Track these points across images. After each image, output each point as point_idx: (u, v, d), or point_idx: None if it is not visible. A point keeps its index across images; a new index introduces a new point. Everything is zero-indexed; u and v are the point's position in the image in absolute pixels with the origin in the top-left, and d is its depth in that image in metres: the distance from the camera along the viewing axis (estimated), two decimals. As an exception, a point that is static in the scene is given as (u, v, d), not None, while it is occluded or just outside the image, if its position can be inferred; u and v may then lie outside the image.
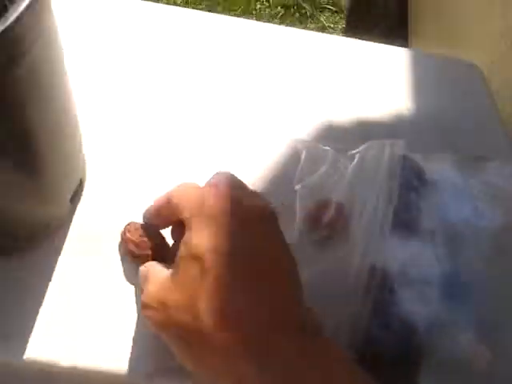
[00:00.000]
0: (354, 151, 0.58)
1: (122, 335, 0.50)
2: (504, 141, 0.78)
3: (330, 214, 0.55)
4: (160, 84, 0.71)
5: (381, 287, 0.51)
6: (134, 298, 0.52)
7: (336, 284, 0.51)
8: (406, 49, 0.91)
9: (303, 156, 0.60)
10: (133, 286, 0.53)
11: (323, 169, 0.58)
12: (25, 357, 0.47)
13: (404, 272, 0.53)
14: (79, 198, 0.56)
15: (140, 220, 0.53)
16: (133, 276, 0.53)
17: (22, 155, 0.40)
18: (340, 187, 0.56)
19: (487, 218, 0.59)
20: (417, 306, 0.50)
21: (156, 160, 0.62)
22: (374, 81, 0.82)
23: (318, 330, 0.40)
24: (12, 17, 0.27)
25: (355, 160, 0.57)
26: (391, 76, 0.83)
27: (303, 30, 0.90)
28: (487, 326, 0.54)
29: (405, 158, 0.57)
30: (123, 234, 0.52)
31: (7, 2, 0.28)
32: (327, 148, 0.60)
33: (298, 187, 0.58)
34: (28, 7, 0.27)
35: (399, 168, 0.56)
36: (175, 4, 1.99)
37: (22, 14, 0.27)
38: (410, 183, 0.57)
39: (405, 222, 0.55)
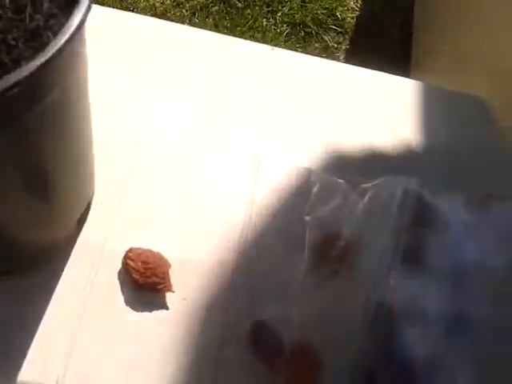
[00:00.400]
0: (366, 185, 0.58)
1: (120, 362, 0.50)
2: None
3: (337, 248, 0.54)
4: (164, 100, 0.70)
5: (385, 325, 0.51)
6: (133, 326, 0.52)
7: (340, 320, 0.51)
8: (415, 81, 0.92)
9: (316, 187, 0.59)
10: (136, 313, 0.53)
11: (335, 201, 0.58)
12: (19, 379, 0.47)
13: (408, 310, 0.53)
14: (85, 219, 0.56)
15: (141, 244, 0.53)
16: (135, 304, 0.53)
17: (37, 184, 0.39)
18: (350, 221, 0.56)
19: (494, 258, 0.59)
20: (418, 344, 0.50)
21: (161, 183, 0.62)
22: (384, 112, 0.82)
23: None
24: (53, 49, 0.26)
25: (367, 195, 0.57)
26: (401, 108, 0.84)
27: (315, 57, 0.91)
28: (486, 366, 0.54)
29: (417, 195, 0.57)
30: (124, 262, 0.52)
31: (50, 34, 0.28)
32: (340, 181, 0.60)
33: (308, 218, 0.57)
34: (70, 39, 0.27)
35: (411, 206, 0.56)
36: (183, 15, 1.99)
37: (63, 46, 0.26)
38: (421, 221, 0.57)
39: (413, 260, 0.55)
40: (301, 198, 0.61)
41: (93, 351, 0.51)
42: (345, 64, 0.89)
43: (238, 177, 0.64)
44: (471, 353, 0.53)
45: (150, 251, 0.54)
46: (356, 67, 0.89)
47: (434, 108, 0.87)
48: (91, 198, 0.56)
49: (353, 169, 0.70)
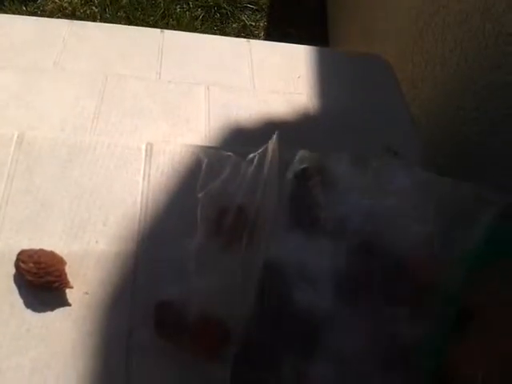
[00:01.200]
0: (252, 154, 0.58)
1: (28, 366, 0.49)
2: (411, 129, 0.81)
3: (229, 220, 0.55)
4: (44, 97, 0.69)
5: (277, 285, 0.51)
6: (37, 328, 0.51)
7: (237, 289, 0.52)
8: (313, 47, 0.93)
9: (204, 163, 0.60)
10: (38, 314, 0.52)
11: (224, 175, 0.58)
12: None
13: (300, 268, 0.53)
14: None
15: (35, 245, 0.52)
16: (36, 305, 0.53)
17: None
18: (241, 191, 0.57)
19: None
20: (312, 300, 0.51)
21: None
22: (280, 80, 0.83)
23: None
24: None
25: (253, 163, 0.58)
26: (299, 75, 0.84)
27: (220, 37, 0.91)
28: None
29: (302, 156, 0.58)
30: (17, 265, 0.51)
31: None
32: (228, 153, 0.60)
33: (200, 195, 0.58)
34: None
35: (296, 167, 0.57)
36: (93, 12, 1.95)
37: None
38: (308, 180, 0.58)
39: (301, 219, 0.56)
40: (194, 177, 0.61)
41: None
42: (236, 38, 0.89)
43: (131, 165, 0.64)
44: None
45: (42, 251, 0.54)
46: (250, 40, 0.89)
47: (333, 72, 0.89)
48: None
49: (250, 140, 0.71)
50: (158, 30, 0.84)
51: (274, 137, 0.56)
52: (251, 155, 0.59)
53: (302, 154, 0.59)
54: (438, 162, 0.97)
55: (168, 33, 0.84)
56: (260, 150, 0.59)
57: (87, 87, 0.71)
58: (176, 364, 0.52)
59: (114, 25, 0.85)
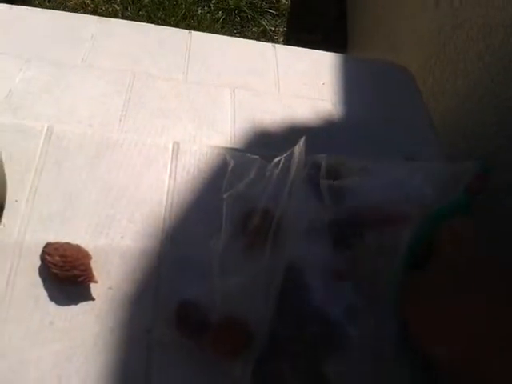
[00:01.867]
0: (279, 158, 0.59)
1: (50, 359, 0.50)
2: (433, 139, 0.81)
3: (254, 221, 0.55)
4: (74, 91, 0.70)
5: (296, 286, 0.52)
6: (60, 321, 0.52)
7: (262, 290, 0.52)
8: (338, 54, 0.93)
9: (231, 165, 0.60)
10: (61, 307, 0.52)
11: (250, 177, 0.59)
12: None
13: (320, 270, 0.54)
14: (-1, 221, 0.55)
15: (61, 238, 0.53)
16: (60, 298, 0.53)
17: None
18: (266, 194, 0.57)
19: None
20: (330, 300, 0.52)
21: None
22: (305, 86, 0.83)
23: None
24: None
25: (279, 167, 0.58)
26: (323, 81, 0.85)
27: (239, 39, 0.92)
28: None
29: (316, 163, 0.59)
30: (43, 258, 0.52)
31: None
32: (255, 156, 0.61)
33: (225, 196, 0.58)
34: None
35: (309, 172, 0.57)
36: (115, 10, 1.97)
37: None
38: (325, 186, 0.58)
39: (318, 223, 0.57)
40: (219, 178, 0.61)
41: (21, 352, 0.50)
42: (262, 42, 0.89)
43: (157, 164, 0.64)
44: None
45: (68, 244, 0.54)
46: (276, 45, 0.89)
47: (357, 79, 0.89)
48: (2, 200, 0.56)
49: (275, 144, 0.71)
50: (186, 31, 0.85)
51: (301, 141, 0.57)
52: (277, 159, 0.60)
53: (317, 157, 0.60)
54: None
55: (195, 34, 0.85)
56: (286, 154, 0.60)
57: (115, 85, 0.72)
58: (197, 363, 0.52)
59: (143, 23, 0.85)
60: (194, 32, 0.86)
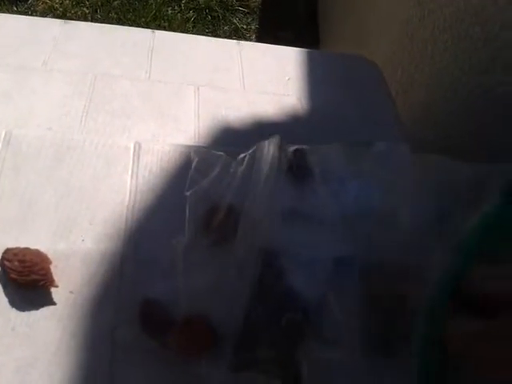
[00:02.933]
0: (243, 154, 0.58)
1: (12, 367, 0.49)
2: (399, 134, 0.81)
3: (218, 218, 0.55)
4: (33, 95, 0.69)
5: (268, 271, 0.52)
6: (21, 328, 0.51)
7: (227, 287, 0.52)
8: (303, 49, 0.93)
9: (194, 162, 0.60)
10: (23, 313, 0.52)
11: (214, 174, 0.58)
12: None
13: (294, 255, 0.53)
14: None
15: (20, 244, 0.52)
16: (21, 304, 0.52)
17: None
18: (231, 190, 0.57)
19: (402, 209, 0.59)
20: (305, 286, 0.51)
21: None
22: (269, 81, 0.83)
23: None
24: None
25: (244, 162, 0.58)
26: (288, 76, 0.85)
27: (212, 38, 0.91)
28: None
29: (291, 152, 0.59)
30: (1, 264, 0.51)
31: None
32: (219, 153, 0.60)
33: (188, 193, 0.58)
34: None
35: (285, 163, 0.57)
36: (84, 13, 1.95)
37: None
38: (299, 176, 0.58)
39: (295, 213, 0.56)
40: (182, 176, 0.61)
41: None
42: (227, 40, 0.89)
43: (119, 164, 0.64)
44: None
45: (27, 249, 0.53)
46: (240, 41, 0.89)
47: (322, 73, 0.89)
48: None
49: (240, 140, 0.71)
50: (149, 30, 0.84)
51: (273, 138, 0.57)
52: (242, 155, 0.60)
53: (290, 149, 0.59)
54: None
55: (159, 33, 0.84)
56: (250, 151, 0.59)
57: (76, 86, 0.71)
58: (161, 362, 0.51)
59: (105, 24, 0.85)
60: (157, 31, 0.86)
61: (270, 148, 0.56)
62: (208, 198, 0.58)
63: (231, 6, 2.12)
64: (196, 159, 0.61)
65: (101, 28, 0.85)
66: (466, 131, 0.97)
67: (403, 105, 1.19)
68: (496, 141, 0.86)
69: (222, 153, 0.62)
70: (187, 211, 0.56)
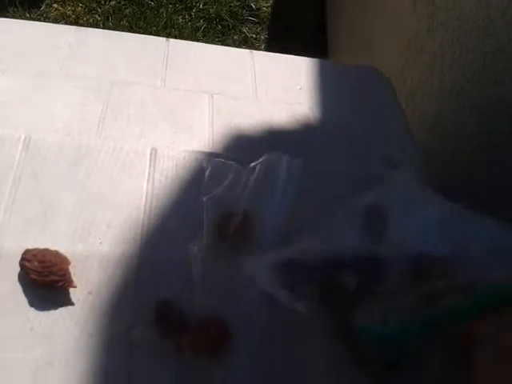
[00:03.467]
0: (254, 163, 0.60)
1: (32, 364, 0.50)
2: (409, 142, 0.82)
3: (235, 224, 0.56)
4: (51, 100, 0.71)
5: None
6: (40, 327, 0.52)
7: (242, 291, 0.53)
8: (315, 59, 0.94)
9: (208, 171, 0.61)
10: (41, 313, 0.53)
11: (226, 182, 0.60)
12: None
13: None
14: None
15: (40, 245, 0.53)
16: (40, 304, 0.54)
17: None
18: (243, 198, 0.58)
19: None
20: None
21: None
22: (282, 91, 0.84)
23: None
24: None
25: (256, 171, 0.59)
26: (300, 86, 0.86)
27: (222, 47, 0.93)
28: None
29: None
30: (22, 264, 0.52)
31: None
32: (231, 162, 0.62)
33: (205, 199, 0.59)
34: None
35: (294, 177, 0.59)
36: (96, 21, 1.97)
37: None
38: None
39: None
40: (196, 182, 0.62)
41: (2, 358, 0.50)
42: (239, 49, 0.91)
43: (135, 169, 0.65)
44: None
45: (47, 250, 0.55)
46: (253, 51, 0.91)
47: (333, 83, 0.90)
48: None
49: (252, 148, 0.72)
50: (164, 39, 0.86)
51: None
52: (252, 164, 0.61)
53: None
54: (438, 175, 0.99)
55: (173, 41, 0.86)
56: (260, 160, 0.61)
57: (93, 93, 0.73)
58: (177, 363, 0.53)
59: (120, 32, 0.86)
60: (171, 40, 0.87)
61: (283, 163, 0.58)
62: (223, 204, 0.60)
63: (241, 15, 2.14)
64: (209, 168, 0.62)
65: (115, 35, 0.86)
66: (473, 144, 0.98)
67: (412, 116, 1.20)
68: (505, 153, 0.87)
69: (232, 162, 0.63)
70: (204, 216, 0.58)
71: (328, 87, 0.88)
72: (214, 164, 0.61)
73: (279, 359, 0.55)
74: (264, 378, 0.53)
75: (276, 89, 0.84)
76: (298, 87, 0.86)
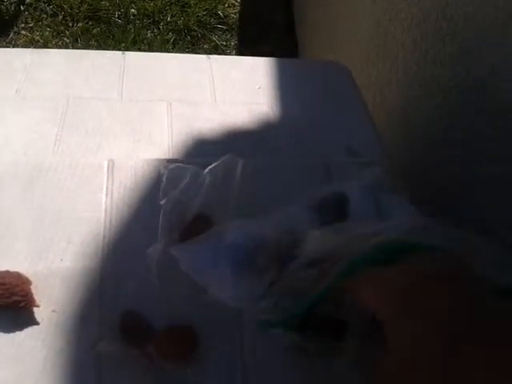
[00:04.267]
0: (211, 166, 0.60)
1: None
2: (373, 136, 0.82)
3: (190, 226, 0.56)
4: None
5: None
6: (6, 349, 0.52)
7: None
8: (272, 58, 0.94)
9: (165, 176, 0.61)
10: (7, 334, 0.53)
11: (184, 184, 0.60)
12: None
13: None
14: None
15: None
16: (5, 326, 0.54)
17: None
18: (200, 200, 0.58)
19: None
20: None
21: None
22: (240, 92, 0.85)
23: None
24: None
25: (211, 174, 0.59)
26: (259, 86, 0.86)
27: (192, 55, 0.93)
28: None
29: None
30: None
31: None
32: (188, 165, 0.62)
33: (162, 202, 0.59)
34: None
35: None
36: (65, 43, 1.97)
37: None
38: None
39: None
40: (156, 189, 0.62)
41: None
42: (196, 55, 0.91)
43: (92, 182, 0.65)
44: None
45: (7, 272, 0.54)
46: (210, 55, 0.91)
47: (293, 80, 0.90)
48: None
49: (213, 151, 0.72)
50: (120, 52, 0.86)
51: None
52: (210, 166, 0.61)
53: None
54: (404, 163, 0.99)
55: (129, 54, 0.86)
56: (217, 162, 0.61)
57: (49, 112, 0.73)
58: (147, 372, 0.52)
59: (76, 50, 0.86)
60: (127, 52, 0.87)
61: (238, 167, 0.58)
62: (179, 206, 0.59)
63: (209, 24, 2.14)
64: (166, 172, 0.62)
65: (71, 54, 0.86)
66: (438, 127, 0.98)
67: (381, 106, 1.20)
68: (471, 136, 0.87)
69: (189, 165, 0.63)
70: (160, 219, 0.58)
71: (288, 85, 0.88)
72: (171, 168, 0.61)
73: (250, 359, 0.55)
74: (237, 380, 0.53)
75: (235, 91, 0.84)
76: (257, 87, 0.86)
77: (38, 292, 0.55)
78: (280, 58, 0.94)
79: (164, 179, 0.61)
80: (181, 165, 0.62)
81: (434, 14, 1.01)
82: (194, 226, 0.57)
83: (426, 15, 1.05)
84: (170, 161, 0.66)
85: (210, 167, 0.61)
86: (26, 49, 0.86)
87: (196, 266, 0.52)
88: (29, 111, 0.74)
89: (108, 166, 0.66)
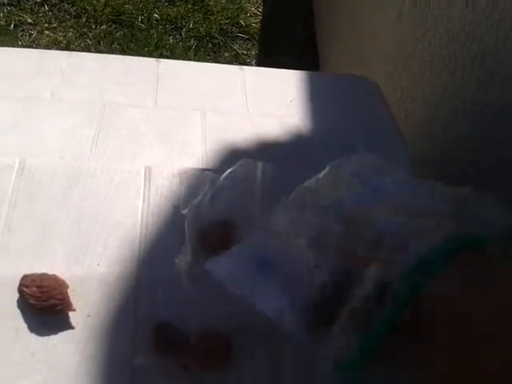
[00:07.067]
0: (228, 171, 0.60)
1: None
2: (400, 150, 0.83)
3: (215, 233, 0.57)
4: (44, 125, 0.71)
5: None
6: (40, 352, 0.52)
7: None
8: (303, 71, 0.95)
9: (184, 183, 0.61)
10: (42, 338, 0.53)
11: (203, 191, 0.60)
12: None
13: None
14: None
15: (37, 269, 0.53)
16: (40, 329, 0.54)
17: None
18: (221, 205, 0.59)
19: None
20: None
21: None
22: (273, 104, 0.85)
23: None
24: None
25: (231, 179, 0.60)
26: (291, 98, 0.87)
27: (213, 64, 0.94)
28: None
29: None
30: (20, 290, 0.52)
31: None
32: (206, 172, 0.62)
33: (184, 211, 0.59)
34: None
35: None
36: (87, 45, 1.99)
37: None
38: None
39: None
40: (190, 198, 0.62)
41: (4, 384, 0.50)
42: (229, 65, 0.91)
43: (130, 189, 0.65)
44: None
45: (45, 275, 0.55)
46: (243, 66, 0.91)
47: (323, 94, 0.91)
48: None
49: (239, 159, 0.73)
50: (154, 59, 0.86)
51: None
52: (226, 173, 0.61)
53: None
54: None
55: (163, 61, 0.87)
56: (233, 168, 0.61)
57: (85, 116, 0.73)
58: (182, 381, 0.52)
59: (111, 55, 0.87)
60: (161, 60, 0.88)
61: (258, 170, 0.59)
62: (202, 214, 0.60)
63: (231, 32, 2.16)
64: (185, 181, 0.63)
65: (106, 58, 0.87)
66: (466, 149, 0.98)
67: (404, 123, 1.21)
68: (496, 155, 0.88)
69: (208, 172, 0.64)
70: (186, 229, 0.58)
71: (318, 98, 0.88)
72: (188, 177, 0.62)
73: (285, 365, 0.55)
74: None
75: (267, 103, 0.85)
76: (289, 100, 0.86)
77: (75, 296, 0.56)
78: (310, 72, 0.94)
79: (183, 188, 0.62)
80: (200, 171, 0.62)
81: (463, 34, 1.01)
82: (217, 232, 0.57)
83: (454, 35, 1.05)
84: (204, 170, 0.66)
85: (226, 172, 0.61)
86: (61, 51, 0.87)
87: (234, 282, 0.52)
88: (64, 114, 0.74)
89: (145, 173, 0.66)
